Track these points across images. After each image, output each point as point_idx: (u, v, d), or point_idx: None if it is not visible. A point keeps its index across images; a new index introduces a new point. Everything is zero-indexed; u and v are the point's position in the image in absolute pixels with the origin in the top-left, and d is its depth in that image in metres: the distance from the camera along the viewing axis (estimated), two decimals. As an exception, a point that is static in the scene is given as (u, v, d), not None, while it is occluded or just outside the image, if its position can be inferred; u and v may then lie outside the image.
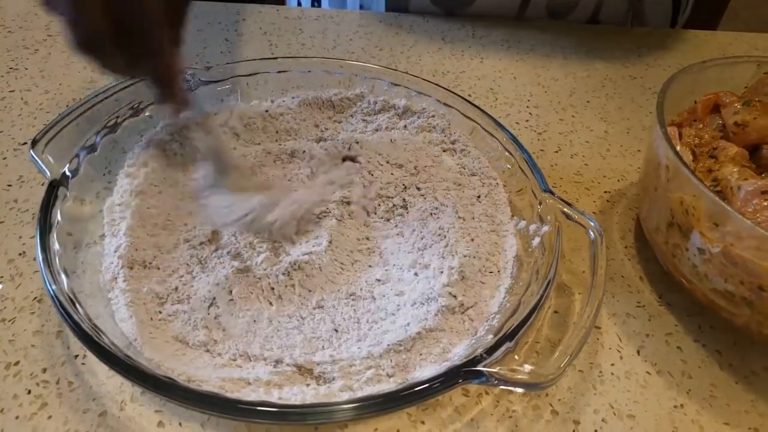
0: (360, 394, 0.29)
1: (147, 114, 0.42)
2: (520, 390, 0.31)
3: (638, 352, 0.36)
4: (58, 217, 0.34)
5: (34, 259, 0.37)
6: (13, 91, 0.49)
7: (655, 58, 0.60)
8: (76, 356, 0.33)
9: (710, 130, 0.39)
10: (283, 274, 0.35)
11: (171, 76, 0.36)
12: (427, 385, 0.27)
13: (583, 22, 0.63)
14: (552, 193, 0.37)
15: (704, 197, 0.33)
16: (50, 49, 0.54)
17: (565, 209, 0.35)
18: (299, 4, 0.71)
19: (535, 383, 0.28)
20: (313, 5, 0.69)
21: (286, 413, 0.26)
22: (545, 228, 0.35)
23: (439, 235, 0.38)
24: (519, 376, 0.28)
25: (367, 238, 0.39)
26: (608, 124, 0.52)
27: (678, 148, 0.36)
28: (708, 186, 0.35)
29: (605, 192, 0.46)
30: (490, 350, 0.29)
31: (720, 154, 0.37)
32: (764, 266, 0.31)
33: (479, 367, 0.28)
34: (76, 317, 0.28)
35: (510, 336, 0.29)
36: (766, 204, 0.32)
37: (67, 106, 0.41)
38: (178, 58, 0.36)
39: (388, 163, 0.42)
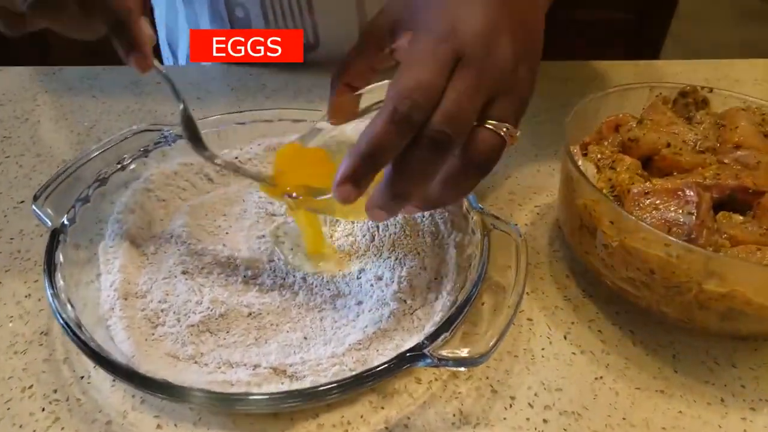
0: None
1: (131, 168, 0.48)
2: (461, 368, 0.37)
3: (565, 337, 0.42)
4: (61, 259, 0.39)
5: (39, 299, 0.42)
6: (8, 156, 0.55)
7: (584, 89, 0.69)
8: (82, 377, 0.38)
9: (611, 146, 0.46)
10: (260, 306, 0.41)
11: (128, 15, 0.35)
12: (381, 368, 0.33)
13: None
14: (481, 209, 0.43)
15: (601, 201, 0.40)
16: (39, 117, 0.60)
17: (492, 221, 0.42)
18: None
19: (471, 358, 0.34)
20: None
21: (264, 400, 0.32)
22: (476, 237, 0.42)
23: (391, 250, 0.44)
24: (457, 354, 0.34)
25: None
26: (539, 148, 0.60)
27: (580, 162, 0.43)
28: (607, 192, 0.42)
29: (535, 206, 0.53)
30: (431, 338, 0.35)
31: (618, 165, 0.44)
32: (651, 253, 0.37)
33: (423, 351, 0.34)
34: (83, 338, 0.34)
35: (446, 325, 0.35)
36: (648, 203, 0.39)
37: (58, 166, 0.47)
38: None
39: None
